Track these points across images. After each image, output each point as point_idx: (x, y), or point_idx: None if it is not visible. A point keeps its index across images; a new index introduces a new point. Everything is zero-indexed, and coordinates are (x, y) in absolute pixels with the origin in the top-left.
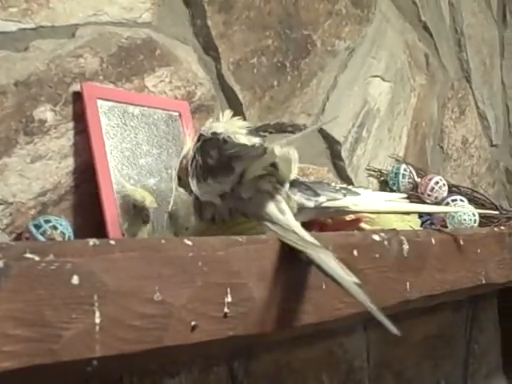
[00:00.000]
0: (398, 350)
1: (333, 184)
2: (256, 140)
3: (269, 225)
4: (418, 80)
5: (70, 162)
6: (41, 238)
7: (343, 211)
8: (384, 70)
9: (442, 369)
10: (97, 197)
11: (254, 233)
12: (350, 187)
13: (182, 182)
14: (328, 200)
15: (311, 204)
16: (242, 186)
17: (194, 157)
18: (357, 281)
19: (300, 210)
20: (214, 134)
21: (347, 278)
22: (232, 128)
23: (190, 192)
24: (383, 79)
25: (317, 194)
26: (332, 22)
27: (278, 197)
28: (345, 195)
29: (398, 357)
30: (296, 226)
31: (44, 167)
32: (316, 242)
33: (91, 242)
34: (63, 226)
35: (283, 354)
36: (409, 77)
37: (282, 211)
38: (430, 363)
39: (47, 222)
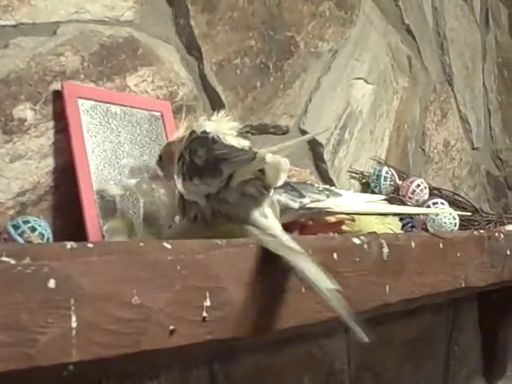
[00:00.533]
0: (379, 352)
1: (316, 185)
2: (245, 143)
3: (250, 228)
4: (400, 82)
5: (49, 162)
6: (19, 238)
7: (325, 212)
8: (367, 72)
9: (423, 370)
10: (77, 197)
11: (236, 235)
12: (332, 188)
13: (162, 163)
14: (312, 201)
15: (296, 205)
16: (228, 189)
17: (182, 154)
18: (333, 287)
19: (284, 211)
20: (204, 132)
21: (323, 283)
22: (222, 128)
23: (166, 178)
24: (366, 81)
25: (301, 195)
26: (316, 24)
27: (263, 201)
28: (328, 196)
29: (378, 359)
30: (278, 230)
31: (23, 167)
32: (296, 246)
33: (69, 245)
34: (42, 227)
35: (264, 357)
36: (391, 79)
37: (265, 216)
38: (410, 365)
39: (26, 222)
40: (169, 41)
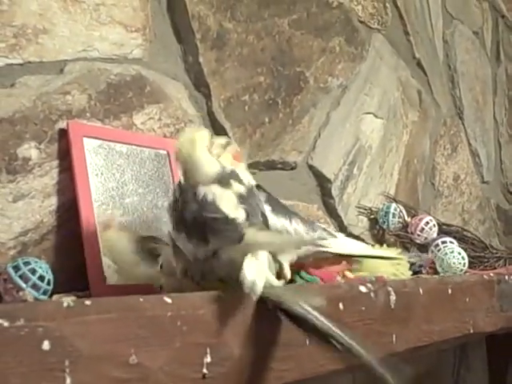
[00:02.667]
0: None
1: (317, 224)
2: (241, 213)
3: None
4: (410, 117)
5: (53, 201)
6: (19, 280)
7: (323, 252)
8: (377, 107)
9: None
10: (79, 236)
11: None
12: (328, 229)
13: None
14: (319, 238)
15: (308, 238)
16: (216, 259)
17: (177, 199)
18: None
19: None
20: (196, 188)
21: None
22: (219, 190)
23: None
24: (376, 116)
25: (314, 230)
26: (325, 60)
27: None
28: (328, 235)
29: None
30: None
31: (26, 206)
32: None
33: (65, 303)
34: (43, 269)
35: None
36: (401, 113)
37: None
38: None
39: (26, 264)
40: (177, 78)
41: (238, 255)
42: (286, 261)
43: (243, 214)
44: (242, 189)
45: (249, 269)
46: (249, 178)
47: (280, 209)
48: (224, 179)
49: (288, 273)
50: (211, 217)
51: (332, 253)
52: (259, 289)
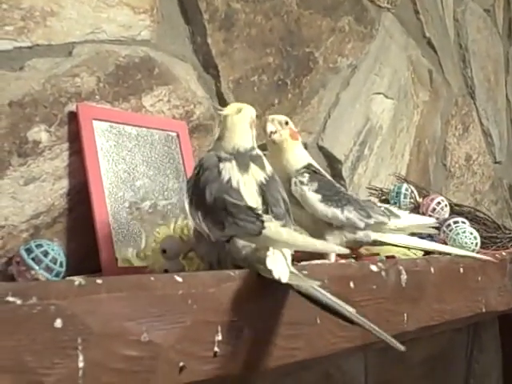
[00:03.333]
0: (397, 371)
1: (378, 204)
2: (259, 203)
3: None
4: (421, 97)
5: (64, 184)
6: (32, 263)
7: (380, 242)
8: (387, 87)
9: None
10: (91, 219)
11: None
12: (391, 209)
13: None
14: (376, 222)
15: (362, 224)
16: (231, 244)
17: (199, 174)
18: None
19: (346, 228)
20: (222, 172)
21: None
22: (245, 174)
23: None
24: (386, 96)
25: (368, 216)
26: (335, 39)
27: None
28: (389, 218)
29: (396, 378)
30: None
31: (37, 189)
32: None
33: (77, 281)
34: (55, 251)
35: (280, 378)
36: (412, 93)
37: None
38: None
39: (39, 246)
40: (185, 59)
41: (254, 246)
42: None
43: (261, 203)
44: (262, 176)
45: (274, 261)
46: (305, 158)
47: (332, 196)
48: (245, 160)
49: (332, 256)
50: (232, 202)
51: (387, 243)
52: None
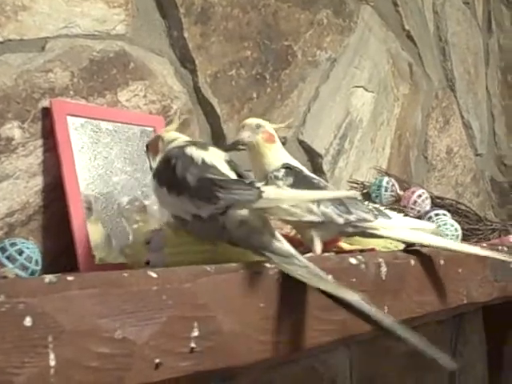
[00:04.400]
0: (381, 365)
1: (366, 203)
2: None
3: (269, 256)
4: (401, 90)
5: (38, 181)
6: (6, 261)
7: (369, 234)
8: (367, 80)
9: (427, 382)
10: (66, 216)
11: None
12: (382, 209)
13: (149, 154)
14: (358, 220)
15: (341, 220)
16: (225, 217)
17: (166, 163)
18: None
19: (327, 225)
20: (194, 156)
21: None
22: (213, 157)
23: (151, 169)
24: (366, 89)
25: (348, 212)
26: (313, 32)
27: (269, 225)
28: (376, 217)
29: (381, 371)
30: (297, 255)
31: (11, 187)
32: (322, 274)
33: (47, 278)
34: (30, 249)
35: (263, 373)
36: (392, 86)
37: (278, 239)
38: (413, 377)
39: (13, 245)
40: (162, 54)
41: (251, 216)
42: (317, 236)
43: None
44: (223, 154)
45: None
46: (283, 159)
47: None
48: (202, 143)
49: (317, 248)
50: (219, 178)
51: (374, 234)
52: None
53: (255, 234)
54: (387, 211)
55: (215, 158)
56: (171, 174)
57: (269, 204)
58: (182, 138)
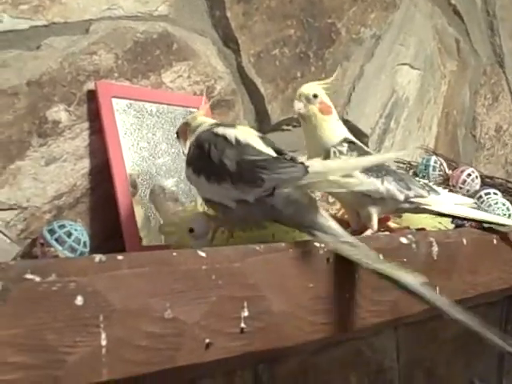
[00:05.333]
0: (429, 348)
1: (417, 179)
2: (273, 152)
3: (320, 235)
4: (448, 66)
5: (85, 164)
6: (55, 243)
7: (423, 209)
8: (413, 57)
9: (476, 367)
10: (113, 198)
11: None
12: (431, 185)
13: (180, 141)
14: (416, 196)
15: (401, 197)
16: (273, 198)
17: (198, 148)
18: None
19: (387, 201)
20: (227, 134)
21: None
22: (246, 134)
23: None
24: (412, 67)
25: (408, 188)
26: (357, 9)
27: (316, 203)
28: (429, 193)
29: (429, 355)
30: (346, 234)
31: (59, 169)
32: (374, 254)
33: (97, 258)
34: (78, 232)
35: (309, 356)
36: (439, 63)
37: (326, 219)
38: (462, 361)
39: (62, 227)
40: (205, 34)
41: (299, 193)
42: (376, 213)
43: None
44: (252, 131)
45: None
46: (341, 132)
47: (371, 167)
48: (227, 124)
49: (375, 224)
50: (259, 158)
51: (428, 210)
52: None
53: (304, 213)
54: (435, 186)
55: (248, 135)
56: (207, 161)
57: (317, 178)
58: (208, 122)
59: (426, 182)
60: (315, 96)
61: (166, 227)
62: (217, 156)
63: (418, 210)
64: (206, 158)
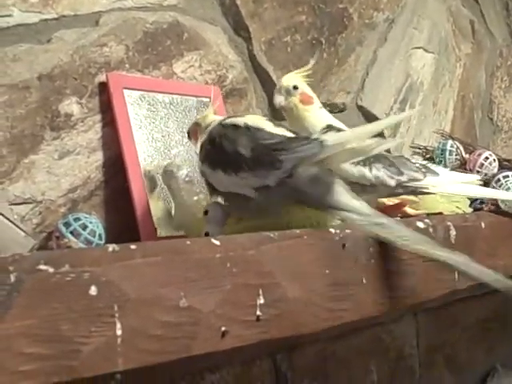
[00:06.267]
0: (450, 335)
1: (413, 161)
2: (287, 133)
3: (348, 215)
4: (463, 49)
5: (98, 156)
6: (70, 236)
7: (420, 191)
8: (427, 41)
9: (498, 352)
10: (127, 190)
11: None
12: (429, 165)
13: (192, 141)
14: (409, 179)
15: (392, 182)
16: (294, 178)
17: (211, 143)
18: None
19: (379, 188)
20: (236, 123)
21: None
22: (255, 119)
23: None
24: (426, 50)
25: (400, 172)
26: None
27: (339, 183)
28: (425, 175)
29: (449, 341)
30: (377, 214)
31: (72, 163)
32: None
33: (110, 248)
34: (93, 224)
35: (328, 344)
36: (453, 46)
37: (356, 197)
38: (483, 347)
39: (77, 220)
40: (215, 23)
41: (321, 170)
42: (366, 200)
43: (291, 134)
44: (261, 116)
45: None
46: (323, 119)
47: None
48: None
49: None
50: (273, 141)
51: (427, 192)
52: None
53: (330, 192)
54: (434, 167)
55: (257, 120)
56: (221, 154)
57: (335, 150)
58: (218, 119)
59: (425, 163)
60: (295, 87)
61: (177, 220)
62: (230, 146)
63: (416, 193)
64: (220, 151)
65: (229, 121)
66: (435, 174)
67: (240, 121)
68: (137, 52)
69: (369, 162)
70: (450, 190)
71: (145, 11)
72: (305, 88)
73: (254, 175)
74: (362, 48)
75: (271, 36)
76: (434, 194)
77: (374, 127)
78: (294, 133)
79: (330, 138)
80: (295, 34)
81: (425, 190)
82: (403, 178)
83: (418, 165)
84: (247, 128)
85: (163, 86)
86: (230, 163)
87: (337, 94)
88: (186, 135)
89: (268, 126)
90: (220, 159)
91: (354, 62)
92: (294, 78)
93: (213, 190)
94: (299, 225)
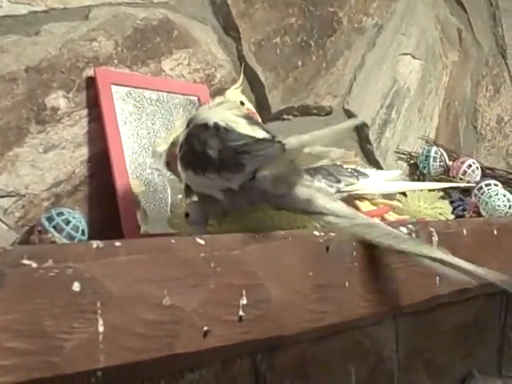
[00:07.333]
0: (429, 339)
1: (344, 166)
2: (260, 132)
3: (328, 218)
4: (450, 57)
5: (84, 151)
6: (53, 231)
7: (356, 194)
8: (414, 47)
9: (475, 357)
10: (112, 186)
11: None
12: (358, 168)
13: (171, 167)
14: (346, 185)
15: (333, 190)
16: (256, 181)
17: (186, 144)
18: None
19: None
20: (207, 122)
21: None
22: (228, 116)
23: (179, 178)
24: (413, 57)
25: (337, 180)
26: None
27: (314, 184)
28: (357, 178)
29: (428, 346)
30: (358, 215)
31: (57, 157)
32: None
33: (94, 244)
34: (76, 219)
35: (308, 346)
36: (441, 54)
37: (334, 199)
38: (461, 352)
39: (60, 214)
40: (205, 21)
41: (282, 169)
42: None
43: (262, 131)
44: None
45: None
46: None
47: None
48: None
49: None
50: (239, 143)
51: (367, 193)
52: None
53: (301, 193)
54: (362, 169)
55: (230, 117)
56: (192, 154)
57: (295, 153)
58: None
59: (354, 167)
60: (242, 104)
61: (173, 219)
62: (200, 147)
63: (352, 196)
64: (192, 151)
65: (201, 118)
66: (365, 175)
67: (211, 120)
68: (126, 48)
69: (311, 175)
70: (380, 188)
71: (135, 7)
72: (248, 104)
73: (220, 177)
74: (351, 52)
75: (261, 37)
76: (367, 194)
77: (332, 131)
78: (267, 132)
79: (291, 141)
80: (285, 36)
81: (359, 192)
82: (341, 185)
83: (350, 169)
84: (217, 128)
85: (151, 83)
86: (199, 164)
87: (324, 96)
88: (165, 168)
89: (240, 125)
90: (191, 160)
91: (342, 65)
92: (238, 95)
93: (189, 190)
94: (281, 220)
